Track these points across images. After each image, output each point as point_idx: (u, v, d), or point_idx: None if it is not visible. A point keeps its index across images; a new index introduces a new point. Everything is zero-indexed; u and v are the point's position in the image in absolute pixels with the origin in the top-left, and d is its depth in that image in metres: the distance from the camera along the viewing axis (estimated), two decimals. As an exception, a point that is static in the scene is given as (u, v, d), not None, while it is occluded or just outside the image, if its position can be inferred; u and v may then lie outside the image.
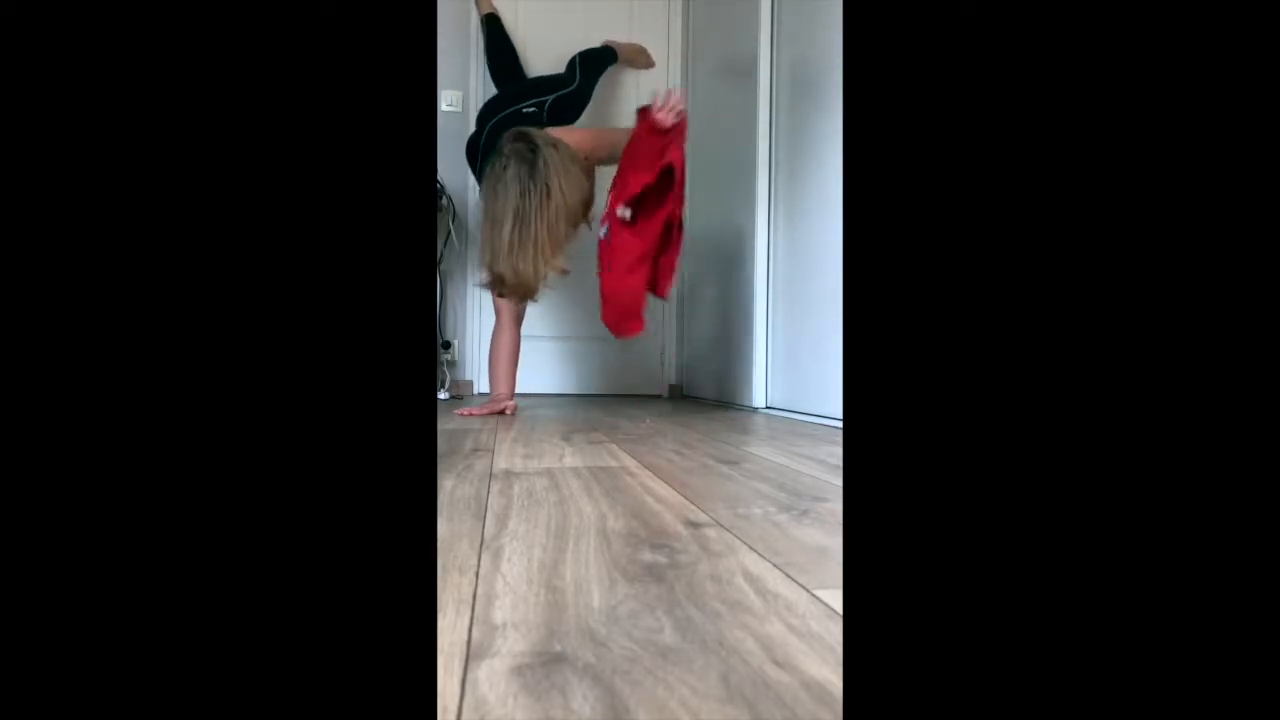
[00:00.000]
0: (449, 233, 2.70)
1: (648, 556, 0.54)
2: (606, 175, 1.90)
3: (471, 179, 2.72)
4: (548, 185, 1.66)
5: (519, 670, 0.34)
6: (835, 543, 0.59)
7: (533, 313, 2.18)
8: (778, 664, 0.36)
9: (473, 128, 2.17)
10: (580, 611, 0.42)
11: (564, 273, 1.78)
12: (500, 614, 0.42)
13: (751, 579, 0.49)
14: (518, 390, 2.10)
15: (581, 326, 2.99)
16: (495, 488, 0.82)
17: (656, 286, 1.91)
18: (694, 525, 0.65)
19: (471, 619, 0.41)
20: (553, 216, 1.68)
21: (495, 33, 2.62)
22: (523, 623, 0.40)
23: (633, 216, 1.77)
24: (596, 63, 2.42)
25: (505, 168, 1.69)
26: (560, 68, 2.33)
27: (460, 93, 2.82)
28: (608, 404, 2.46)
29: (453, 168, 2.73)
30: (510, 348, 2.01)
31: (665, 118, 1.70)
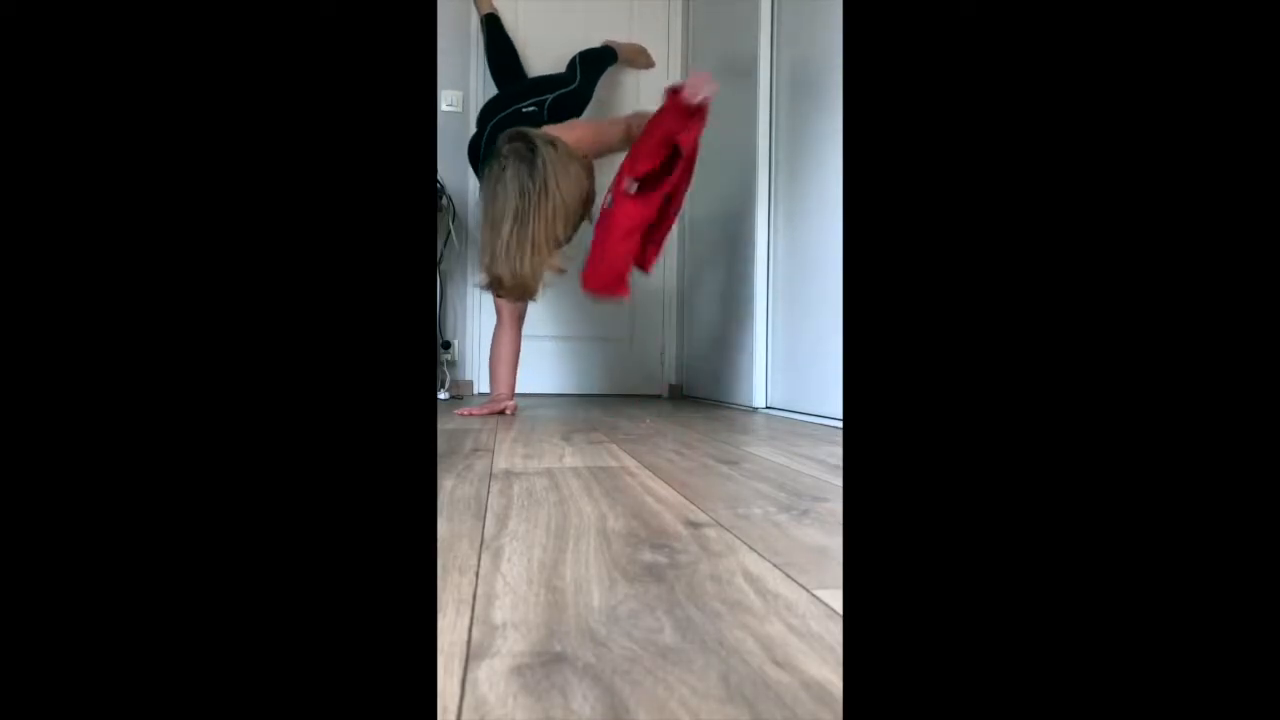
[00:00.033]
0: (449, 233, 2.70)
1: (648, 556, 0.54)
2: (607, 171, 1.90)
3: (472, 179, 2.73)
4: (545, 185, 1.66)
5: (519, 670, 0.34)
6: (835, 543, 0.59)
7: (533, 313, 2.19)
8: (778, 664, 0.36)
9: (473, 128, 2.17)
10: (580, 611, 0.42)
11: (560, 271, 1.78)
12: (500, 614, 0.42)
13: (751, 579, 0.49)
14: (518, 390, 2.10)
15: (581, 326, 2.99)
16: (495, 488, 0.82)
17: (643, 259, 1.93)
18: (694, 525, 0.65)
19: (471, 619, 0.41)
20: (550, 216, 1.68)
21: (495, 33, 2.62)
22: (523, 623, 0.40)
23: (638, 190, 1.78)
24: (597, 62, 2.42)
25: (504, 168, 1.69)
26: (560, 68, 2.33)
27: (460, 93, 2.82)
28: (608, 404, 2.46)
29: (453, 168, 2.73)
30: (511, 348, 2.01)
31: (692, 95, 1.73)
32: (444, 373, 2.72)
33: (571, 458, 1.08)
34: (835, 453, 1.18)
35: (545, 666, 0.35)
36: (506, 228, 1.66)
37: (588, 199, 1.79)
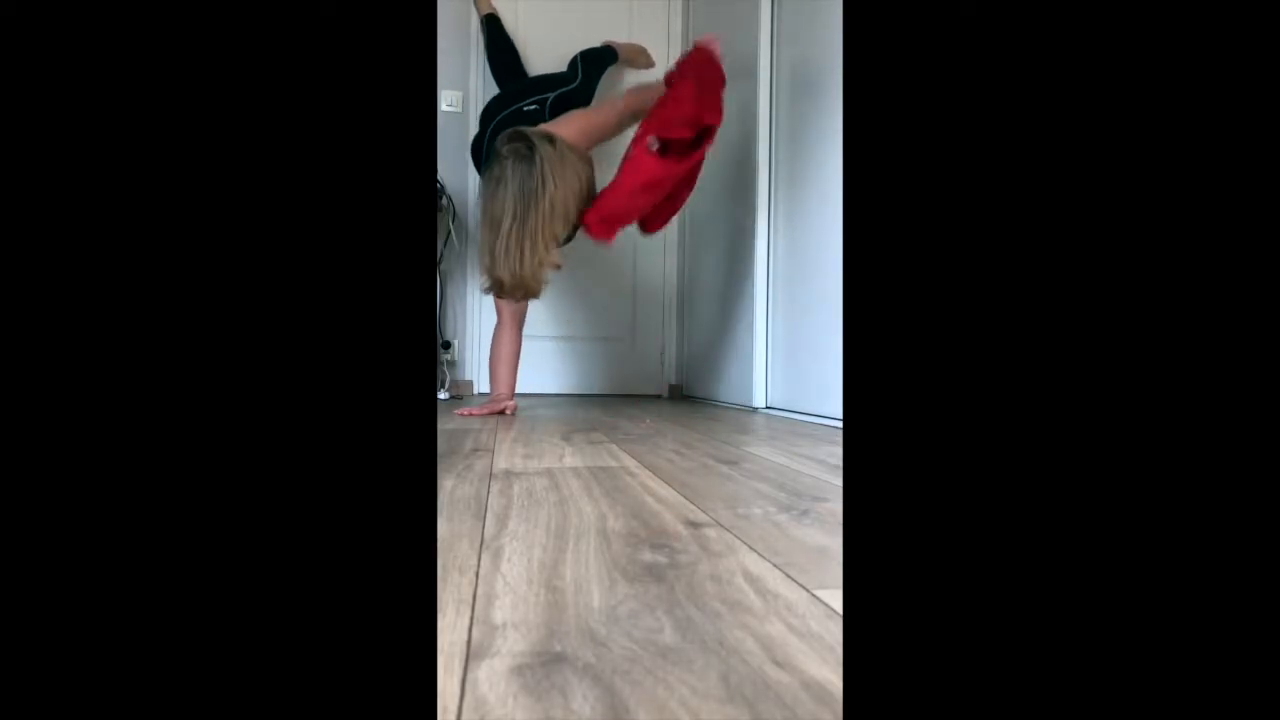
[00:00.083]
0: (449, 233, 2.70)
1: (648, 556, 0.54)
2: (608, 169, 1.90)
3: (472, 179, 2.73)
4: (543, 184, 1.66)
5: (519, 670, 0.34)
6: (835, 543, 0.59)
7: (533, 313, 2.19)
8: (778, 664, 0.36)
9: (473, 127, 2.17)
10: (580, 611, 0.42)
11: (557, 267, 1.78)
12: (500, 614, 0.42)
13: (751, 579, 0.49)
14: (518, 390, 2.10)
15: (581, 326, 2.99)
16: (495, 488, 0.82)
17: (648, 224, 1.93)
18: (694, 525, 0.65)
19: (471, 619, 0.41)
20: (549, 215, 1.68)
21: (495, 32, 2.62)
22: (523, 623, 0.40)
23: (662, 151, 1.78)
24: (598, 61, 2.42)
25: (503, 169, 1.69)
26: (561, 67, 2.33)
27: (460, 93, 2.82)
28: (608, 404, 2.46)
29: (453, 168, 2.73)
30: (511, 348, 2.01)
31: (716, 45, 1.77)
32: (444, 373, 2.72)
33: (571, 458, 1.08)
34: (835, 453, 1.18)
35: (545, 666, 0.35)
36: (505, 227, 1.67)
37: (588, 194, 1.79)
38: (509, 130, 1.75)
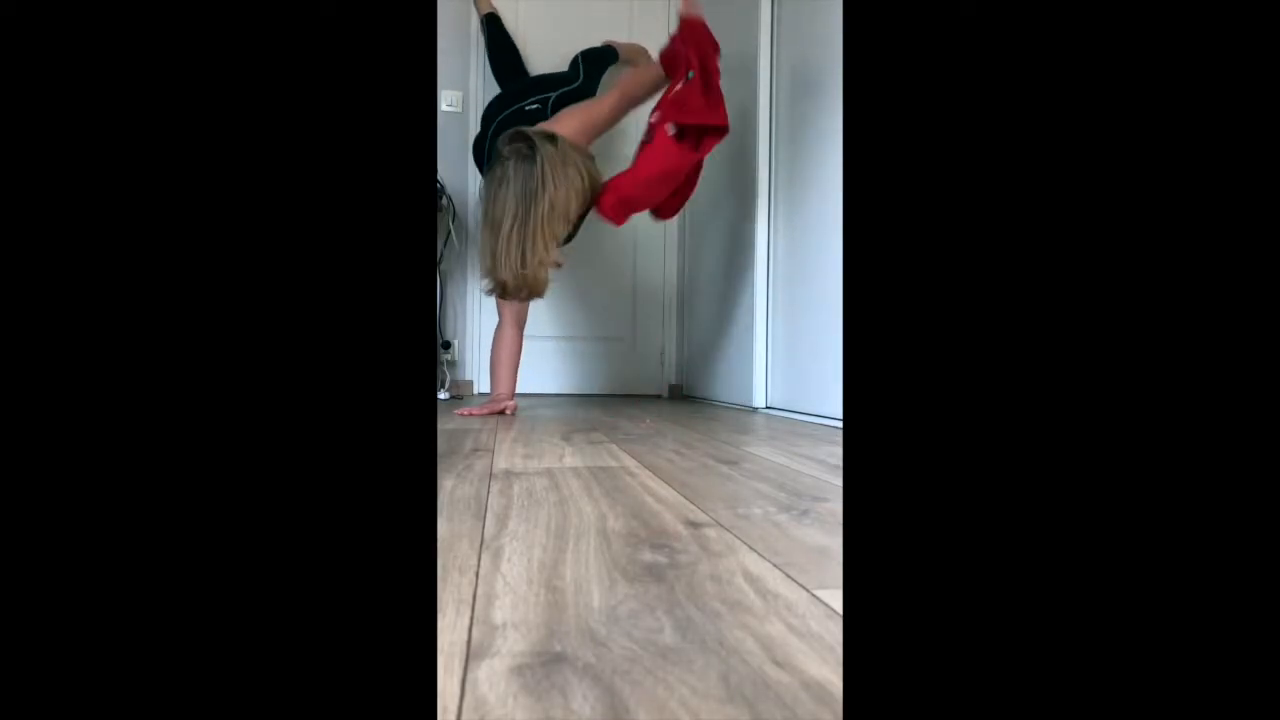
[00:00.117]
0: (449, 233, 2.70)
1: (648, 556, 0.54)
2: (610, 165, 1.90)
3: (472, 179, 2.73)
4: (544, 184, 1.66)
5: (519, 670, 0.34)
6: (835, 543, 0.59)
7: (534, 313, 2.19)
8: (778, 664, 0.36)
9: (473, 127, 2.17)
10: (580, 611, 0.42)
11: (557, 265, 1.78)
12: (500, 614, 0.42)
13: (751, 579, 0.49)
14: (518, 390, 2.10)
15: (582, 326, 2.99)
16: (495, 488, 0.82)
17: (661, 211, 1.93)
18: (694, 525, 0.65)
19: (471, 619, 0.41)
20: (550, 215, 1.68)
21: (496, 32, 2.62)
22: (523, 623, 0.40)
23: (678, 135, 1.78)
24: (599, 61, 2.43)
25: (505, 170, 1.69)
26: (561, 67, 2.34)
27: (460, 93, 2.82)
28: (608, 404, 2.46)
29: (453, 168, 2.73)
30: (511, 348, 2.01)
31: (699, 11, 1.78)
32: (444, 373, 2.72)
33: (571, 458, 1.08)
34: (835, 453, 1.18)
35: (545, 666, 0.35)
36: (506, 228, 1.67)
37: (590, 191, 1.78)
38: (511, 130, 1.75)
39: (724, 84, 1.83)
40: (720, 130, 1.80)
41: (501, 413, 1.88)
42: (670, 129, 1.76)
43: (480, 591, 0.45)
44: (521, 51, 2.65)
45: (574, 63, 2.32)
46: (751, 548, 0.57)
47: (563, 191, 1.68)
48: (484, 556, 0.53)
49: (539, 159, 1.66)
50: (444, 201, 2.63)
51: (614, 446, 1.23)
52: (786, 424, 1.73)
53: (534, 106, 2.02)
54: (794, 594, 0.46)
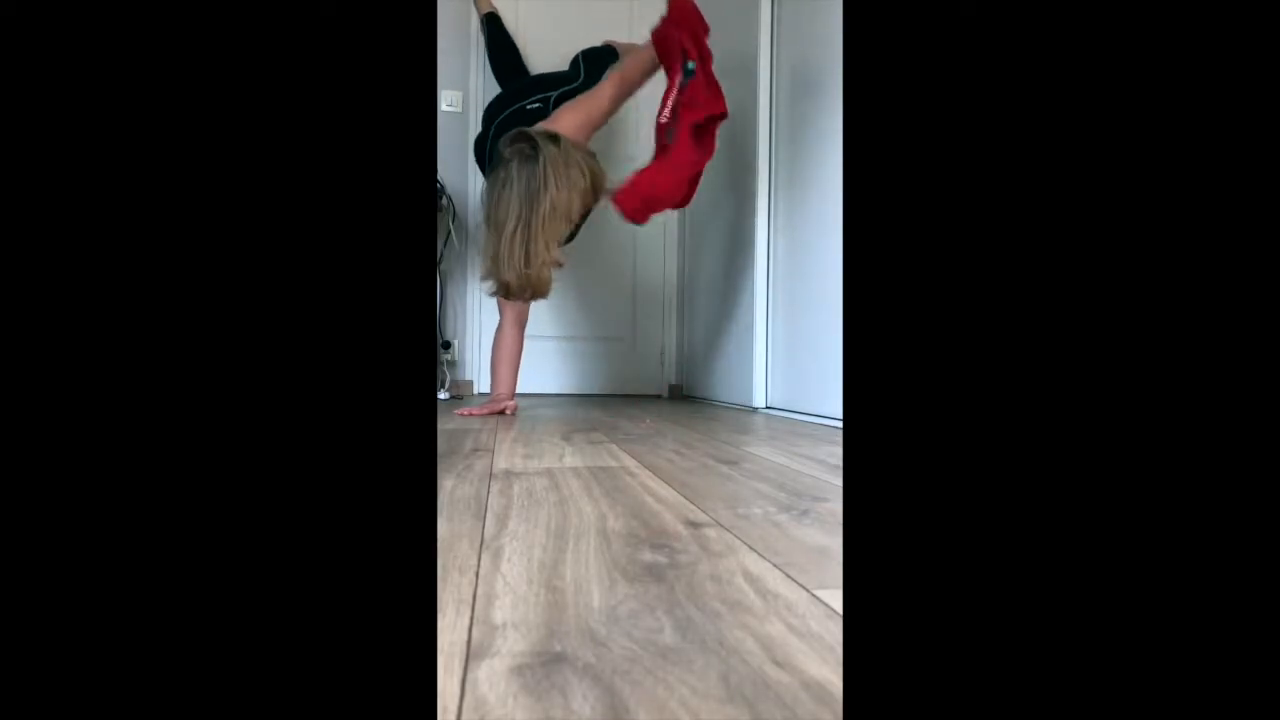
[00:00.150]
0: (449, 233, 2.70)
1: (648, 556, 0.54)
2: (610, 162, 1.89)
3: (471, 179, 2.73)
4: (546, 185, 1.67)
5: (519, 670, 0.34)
6: (835, 543, 0.59)
7: (534, 313, 2.19)
8: (778, 664, 0.36)
9: (473, 127, 2.17)
10: (580, 611, 0.42)
11: (559, 265, 1.78)
12: (500, 614, 0.42)
13: (751, 579, 0.49)
14: (518, 390, 2.10)
15: (582, 326, 3.00)
16: (495, 488, 0.82)
17: (685, 199, 1.94)
18: (694, 525, 0.65)
19: (471, 619, 0.41)
20: (552, 216, 1.68)
21: (496, 32, 2.62)
22: (523, 623, 0.40)
23: (698, 133, 1.80)
24: (599, 61, 2.43)
25: (509, 171, 1.68)
26: (561, 67, 2.34)
27: (460, 93, 2.82)
28: (608, 404, 2.46)
29: (453, 168, 2.73)
30: (512, 348, 2.01)
31: None
32: (444, 373, 2.72)
33: (571, 458, 1.08)
34: (835, 453, 1.18)
35: (545, 666, 0.35)
36: (509, 229, 1.66)
37: (593, 189, 1.78)
38: (513, 131, 1.75)
39: (724, 84, 1.83)
40: (722, 116, 1.81)
41: (501, 413, 1.88)
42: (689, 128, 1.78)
43: (480, 591, 0.45)
44: (521, 51, 2.65)
45: (574, 62, 2.32)
46: (751, 548, 0.57)
47: (565, 193, 1.68)
48: (484, 556, 0.53)
49: (542, 159, 1.66)
50: (444, 201, 2.63)
51: (614, 446, 1.23)
52: (786, 424, 1.73)
53: (535, 105, 2.02)
54: (794, 594, 0.46)
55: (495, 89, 2.45)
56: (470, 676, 0.34)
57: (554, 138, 1.71)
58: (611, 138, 2.79)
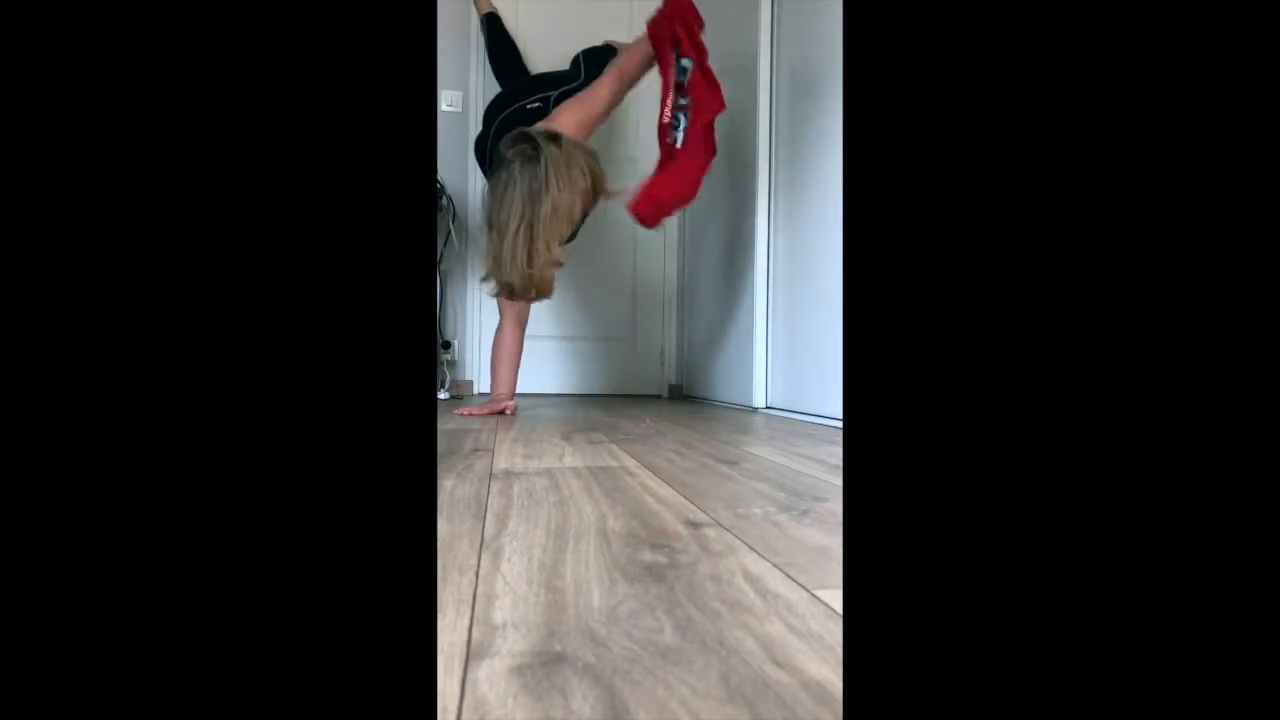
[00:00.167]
0: (449, 233, 2.70)
1: (648, 556, 0.54)
2: (610, 162, 1.90)
3: (472, 179, 2.73)
4: (548, 186, 1.66)
5: (519, 670, 0.34)
6: (835, 543, 0.59)
7: (534, 313, 2.19)
8: (778, 664, 0.36)
9: (473, 128, 2.17)
10: (580, 611, 0.42)
11: (559, 264, 1.78)
12: (500, 614, 0.42)
13: (751, 579, 0.49)
14: (518, 390, 2.10)
15: (583, 326, 3.00)
16: (495, 488, 0.82)
17: (693, 199, 1.96)
18: (694, 525, 0.65)
19: (471, 619, 0.41)
20: (554, 216, 1.68)
21: (496, 31, 2.62)
22: (523, 623, 0.40)
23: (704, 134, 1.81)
24: (599, 60, 2.42)
25: (511, 172, 1.68)
26: (561, 66, 2.33)
27: (460, 93, 2.82)
28: (608, 404, 2.46)
29: (453, 168, 2.73)
30: (512, 348, 2.01)
31: None
32: (444, 373, 2.72)
33: (571, 457, 1.08)
34: (835, 453, 1.18)
35: (545, 666, 0.35)
36: (512, 230, 1.66)
37: (594, 188, 1.78)
38: (514, 132, 1.75)
39: (724, 84, 1.83)
40: (720, 110, 1.82)
41: (501, 413, 1.88)
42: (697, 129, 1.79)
43: (480, 591, 0.45)
44: (521, 51, 2.65)
45: (575, 61, 2.32)
46: (751, 548, 0.57)
47: (566, 193, 1.68)
48: (484, 556, 0.53)
49: (543, 160, 1.66)
50: (444, 201, 2.63)
51: (614, 446, 1.23)
52: (786, 424, 1.73)
53: (535, 105, 2.02)
54: (794, 594, 0.46)
55: (495, 89, 2.45)
56: (470, 676, 0.34)
57: (555, 138, 1.71)
58: (612, 138, 2.79)
